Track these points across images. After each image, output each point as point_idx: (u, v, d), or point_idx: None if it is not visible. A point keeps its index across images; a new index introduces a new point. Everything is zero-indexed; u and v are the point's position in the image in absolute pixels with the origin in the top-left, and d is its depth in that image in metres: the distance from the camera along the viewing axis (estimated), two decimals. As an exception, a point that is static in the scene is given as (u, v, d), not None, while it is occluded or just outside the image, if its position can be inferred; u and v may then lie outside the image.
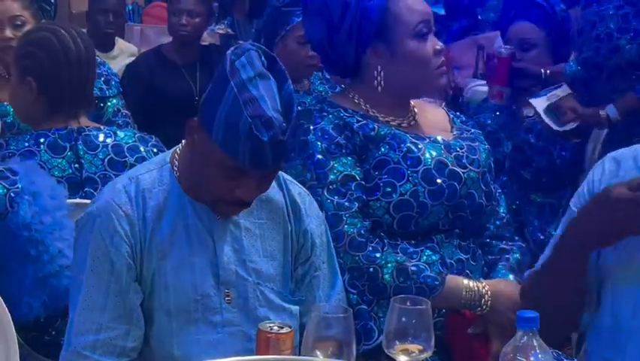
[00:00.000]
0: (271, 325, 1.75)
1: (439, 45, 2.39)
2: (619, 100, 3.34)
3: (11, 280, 2.35)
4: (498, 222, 2.48)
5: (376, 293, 2.24)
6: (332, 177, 2.27)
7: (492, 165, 2.48)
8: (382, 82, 2.37)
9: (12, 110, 3.14)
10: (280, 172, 2.12)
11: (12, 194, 2.31)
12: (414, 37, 2.35)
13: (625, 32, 3.32)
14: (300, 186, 2.17)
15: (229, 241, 2.03)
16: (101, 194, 2.05)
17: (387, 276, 2.23)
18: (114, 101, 3.41)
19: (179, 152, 2.05)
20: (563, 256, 1.85)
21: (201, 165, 1.96)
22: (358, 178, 2.30)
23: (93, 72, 2.72)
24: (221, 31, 5.74)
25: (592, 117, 3.39)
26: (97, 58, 3.46)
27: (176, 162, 2.03)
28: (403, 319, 1.68)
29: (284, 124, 1.88)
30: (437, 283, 2.23)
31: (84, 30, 5.46)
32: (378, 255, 2.25)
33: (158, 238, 1.98)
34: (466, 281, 2.28)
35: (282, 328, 1.74)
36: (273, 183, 2.09)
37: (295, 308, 2.09)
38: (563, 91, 3.56)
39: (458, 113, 2.62)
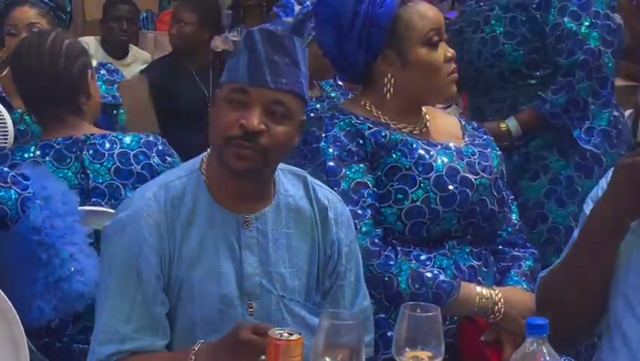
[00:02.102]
0: (281, 331, 1.75)
1: (450, 52, 2.38)
2: (521, 113, 3.16)
3: (22, 284, 2.34)
4: (510, 229, 2.47)
5: (393, 301, 2.23)
6: (344, 184, 2.27)
7: (504, 171, 2.48)
8: (392, 89, 2.37)
9: (26, 117, 3.16)
10: (309, 178, 2.10)
11: (24, 199, 2.31)
12: (425, 45, 2.34)
13: (512, 37, 3.13)
14: (330, 190, 2.14)
15: (256, 252, 2.00)
16: (131, 201, 2.01)
17: (402, 284, 2.22)
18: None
19: (206, 156, 2.03)
20: (593, 239, 1.82)
21: (215, 120, 1.96)
22: (371, 185, 2.29)
23: (78, 76, 2.67)
24: (234, 38, 5.76)
25: (491, 130, 3.28)
26: (110, 65, 3.50)
27: (205, 168, 2.02)
28: (413, 326, 1.67)
29: (285, 42, 1.92)
30: (453, 287, 2.23)
31: (98, 37, 5.53)
32: (392, 263, 2.24)
33: (187, 248, 1.96)
34: (479, 288, 2.27)
35: (292, 335, 1.73)
36: (302, 192, 2.07)
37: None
38: (452, 110, 3.48)
39: (470, 120, 2.62)
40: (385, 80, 2.37)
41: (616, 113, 3.19)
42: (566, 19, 3.05)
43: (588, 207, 1.93)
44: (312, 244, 2.07)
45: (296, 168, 2.12)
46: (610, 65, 3.08)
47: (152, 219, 1.95)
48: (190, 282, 1.96)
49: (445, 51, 2.36)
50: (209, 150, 2.04)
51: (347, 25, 2.34)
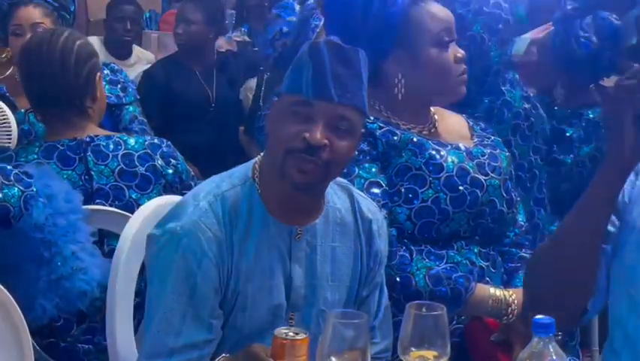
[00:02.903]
0: (287, 330, 1.75)
1: (461, 53, 2.38)
2: None
3: (25, 282, 2.34)
4: (517, 231, 2.47)
5: (412, 300, 2.21)
6: (358, 184, 2.26)
7: (512, 172, 2.48)
8: (403, 89, 2.36)
9: (30, 116, 3.15)
10: (353, 189, 2.10)
11: (27, 196, 2.31)
12: (435, 45, 2.34)
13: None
14: (371, 201, 2.13)
15: (303, 264, 1.99)
16: (183, 211, 1.93)
17: (420, 282, 2.22)
18: (130, 108, 3.41)
19: (258, 164, 2.00)
20: (594, 193, 1.79)
21: (276, 131, 1.92)
22: (383, 185, 2.29)
23: (86, 79, 2.66)
24: (238, 39, 5.76)
25: None
26: (114, 65, 3.50)
27: (257, 176, 1.98)
28: (419, 325, 1.67)
29: (350, 55, 1.91)
30: (470, 282, 2.23)
31: (101, 37, 5.53)
32: (407, 262, 2.24)
33: (245, 261, 1.93)
34: (492, 290, 2.26)
35: (298, 334, 1.73)
36: (347, 205, 2.06)
37: None
38: None
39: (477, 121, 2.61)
40: (396, 80, 2.36)
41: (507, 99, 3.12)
42: (457, 5, 2.96)
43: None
44: (355, 258, 2.06)
45: (341, 179, 2.10)
46: (494, 52, 3.01)
47: (211, 232, 1.90)
48: (245, 294, 1.94)
49: (455, 52, 2.36)
50: (260, 155, 2.01)
51: (357, 25, 2.34)
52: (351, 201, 2.07)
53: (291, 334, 1.72)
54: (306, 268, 1.99)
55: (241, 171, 2.01)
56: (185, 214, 1.92)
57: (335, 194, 2.06)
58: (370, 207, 2.10)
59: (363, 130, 2.19)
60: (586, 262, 1.81)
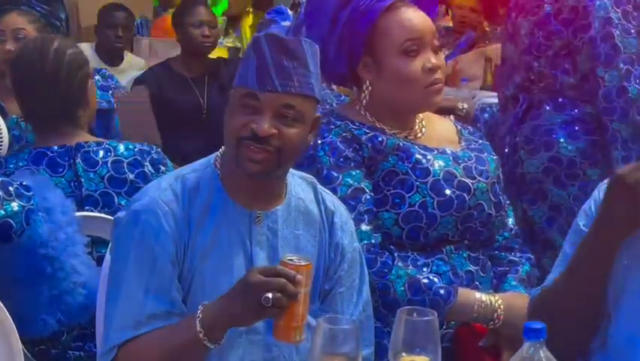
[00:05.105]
0: (292, 257, 1.82)
1: (431, 63, 2.32)
2: None
3: (26, 296, 2.34)
4: (506, 234, 2.47)
5: (389, 308, 2.22)
6: (341, 191, 2.26)
7: (500, 175, 2.47)
8: (367, 97, 2.37)
9: (21, 123, 3.15)
10: (318, 185, 2.12)
11: (28, 211, 2.30)
12: (400, 55, 2.32)
13: None
14: (336, 198, 2.16)
15: (265, 248, 2.01)
16: (145, 192, 2.03)
17: (399, 290, 2.22)
18: (122, 113, 3.41)
19: (220, 153, 2.05)
20: (589, 258, 1.81)
21: (228, 122, 1.98)
22: (368, 191, 2.29)
23: (78, 88, 2.66)
24: (229, 44, 5.77)
25: None
26: (105, 71, 3.50)
27: (219, 163, 2.04)
28: (410, 330, 1.67)
29: (291, 46, 1.94)
30: (450, 294, 2.22)
31: (93, 44, 5.52)
32: (388, 269, 2.24)
33: (201, 238, 1.98)
34: (478, 295, 2.26)
35: (301, 260, 1.81)
36: (311, 196, 2.09)
37: None
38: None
39: (465, 125, 2.62)
40: (364, 87, 2.37)
41: None
42: None
43: (581, 220, 1.92)
44: (320, 247, 2.08)
45: (306, 174, 2.15)
46: None
47: (168, 207, 1.96)
48: (202, 273, 1.97)
49: (424, 61, 2.32)
50: (223, 147, 2.05)
51: (327, 31, 2.36)
52: (315, 193, 2.11)
53: (295, 260, 1.80)
54: (268, 253, 2.01)
55: (203, 160, 2.08)
56: (146, 195, 2.00)
57: (298, 186, 2.09)
58: (335, 202, 2.13)
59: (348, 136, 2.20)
60: (590, 302, 1.84)
